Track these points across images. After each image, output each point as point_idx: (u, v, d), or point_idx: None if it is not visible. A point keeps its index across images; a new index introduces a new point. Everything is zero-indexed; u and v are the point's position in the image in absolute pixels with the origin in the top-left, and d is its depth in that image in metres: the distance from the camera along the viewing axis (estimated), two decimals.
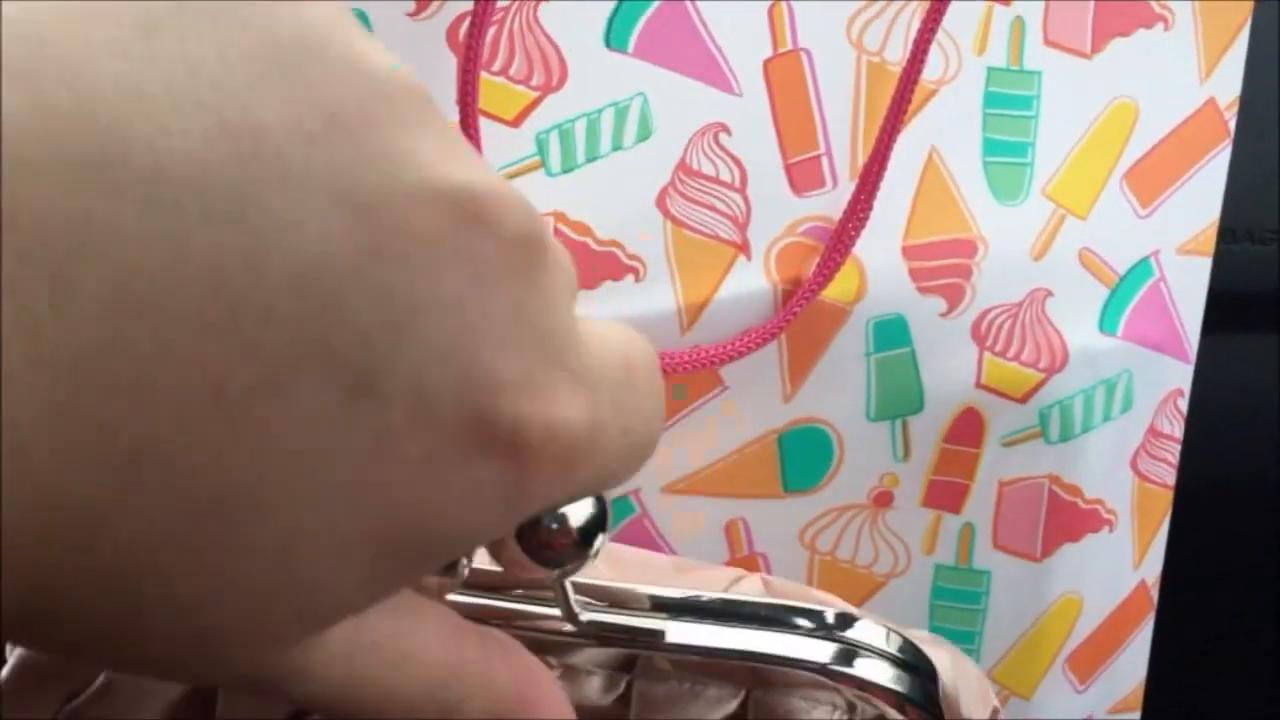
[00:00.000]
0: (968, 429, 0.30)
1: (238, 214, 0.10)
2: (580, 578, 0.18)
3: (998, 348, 0.30)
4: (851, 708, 0.22)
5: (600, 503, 0.16)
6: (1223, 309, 0.33)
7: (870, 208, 0.28)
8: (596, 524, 0.15)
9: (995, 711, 0.24)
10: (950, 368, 0.30)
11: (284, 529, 0.11)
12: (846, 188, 0.29)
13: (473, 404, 0.12)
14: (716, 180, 0.29)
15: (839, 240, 0.28)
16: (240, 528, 0.11)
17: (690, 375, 0.29)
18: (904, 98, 0.28)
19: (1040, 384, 0.30)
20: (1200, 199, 0.32)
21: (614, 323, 0.15)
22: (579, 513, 0.15)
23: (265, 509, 0.11)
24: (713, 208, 0.29)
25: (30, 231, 0.09)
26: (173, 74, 0.10)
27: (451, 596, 0.17)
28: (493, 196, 0.12)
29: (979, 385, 0.30)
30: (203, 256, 0.10)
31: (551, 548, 0.15)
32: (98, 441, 0.10)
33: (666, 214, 0.29)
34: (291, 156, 0.11)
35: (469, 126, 0.26)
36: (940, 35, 0.29)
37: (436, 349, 0.11)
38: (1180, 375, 0.33)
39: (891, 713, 0.21)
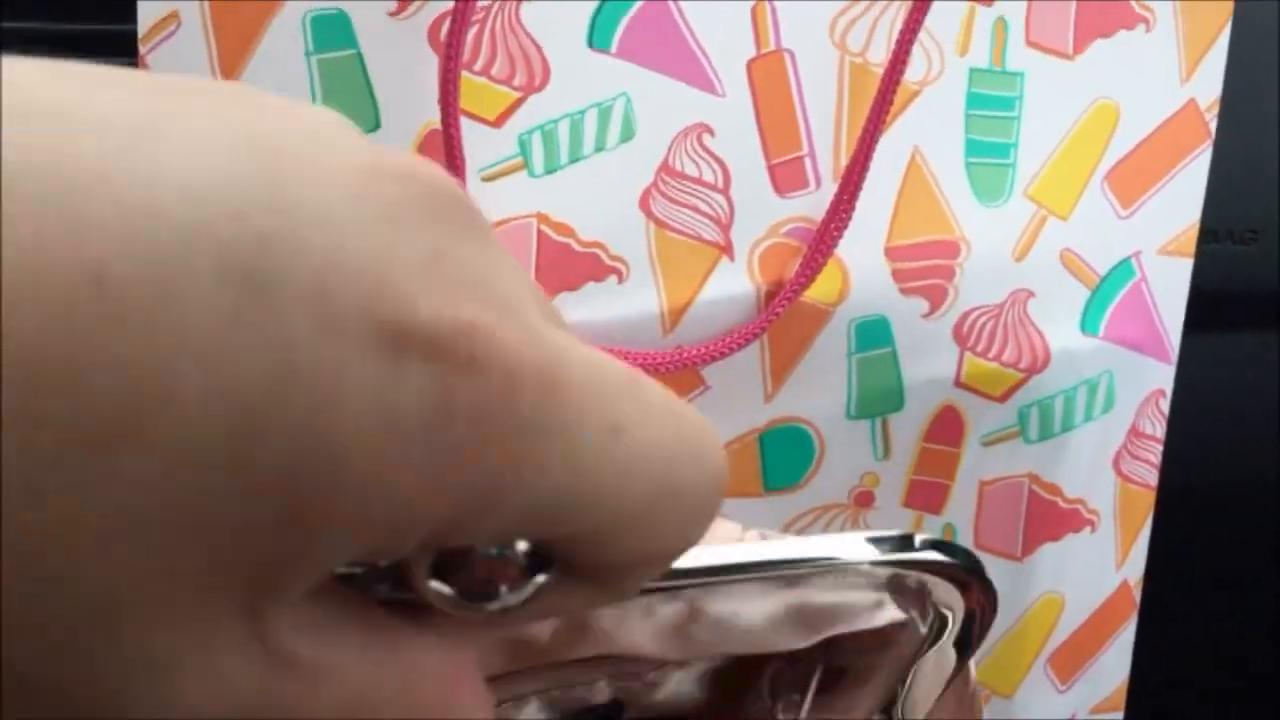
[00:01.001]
0: (948, 428, 0.30)
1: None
2: None
3: (979, 348, 0.30)
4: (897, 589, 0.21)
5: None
6: (1204, 309, 0.34)
7: (853, 209, 0.28)
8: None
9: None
10: (931, 367, 0.30)
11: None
12: (830, 188, 0.29)
13: (383, 310, 0.11)
14: (700, 181, 0.29)
15: (821, 241, 0.29)
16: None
17: (672, 375, 0.29)
18: (886, 99, 0.28)
19: (1020, 383, 0.31)
20: (1181, 200, 0.32)
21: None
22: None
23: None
24: (696, 209, 0.29)
25: None
26: None
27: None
28: (410, 159, 0.12)
29: (958, 384, 0.30)
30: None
31: (492, 582, 0.12)
32: None
33: (650, 215, 0.29)
34: None
35: (450, 126, 0.26)
36: (923, 36, 0.29)
37: (341, 263, 0.11)
38: (1162, 376, 0.33)
39: (945, 590, 0.21)
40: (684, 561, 0.18)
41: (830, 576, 0.21)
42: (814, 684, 0.23)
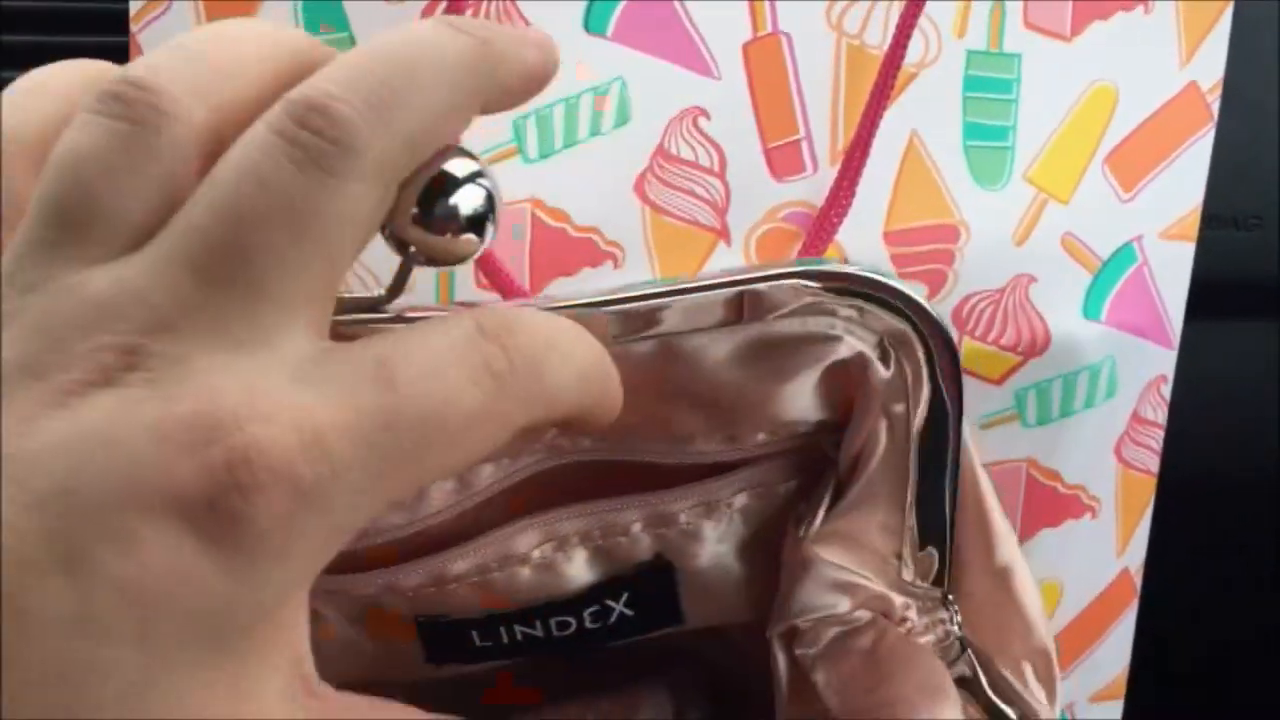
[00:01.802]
0: None
1: None
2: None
3: (978, 333, 0.30)
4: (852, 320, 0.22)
5: (489, 197, 0.17)
6: (1206, 295, 0.33)
7: (853, 194, 0.28)
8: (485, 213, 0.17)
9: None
10: None
11: None
12: (827, 172, 0.29)
13: None
14: (695, 165, 0.29)
15: (820, 227, 0.28)
16: None
17: None
18: (886, 83, 0.28)
19: (1016, 367, 0.30)
20: (1183, 184, 0.32)
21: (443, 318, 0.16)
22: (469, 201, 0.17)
23: None
24: (692, 193, 0.29)
25: None
26: None
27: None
28: None
29: None
30: None
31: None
32: None
33: (645, 200, 0.28)
34: None
35: None
36: (920, 18, 0.29)
37: None
38: (1164, 362, 0.33)
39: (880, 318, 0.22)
40: (644, 291, 0.21)
41: (786, 320, 0.22)
42: (827, 496, 0.24)
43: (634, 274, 0.28)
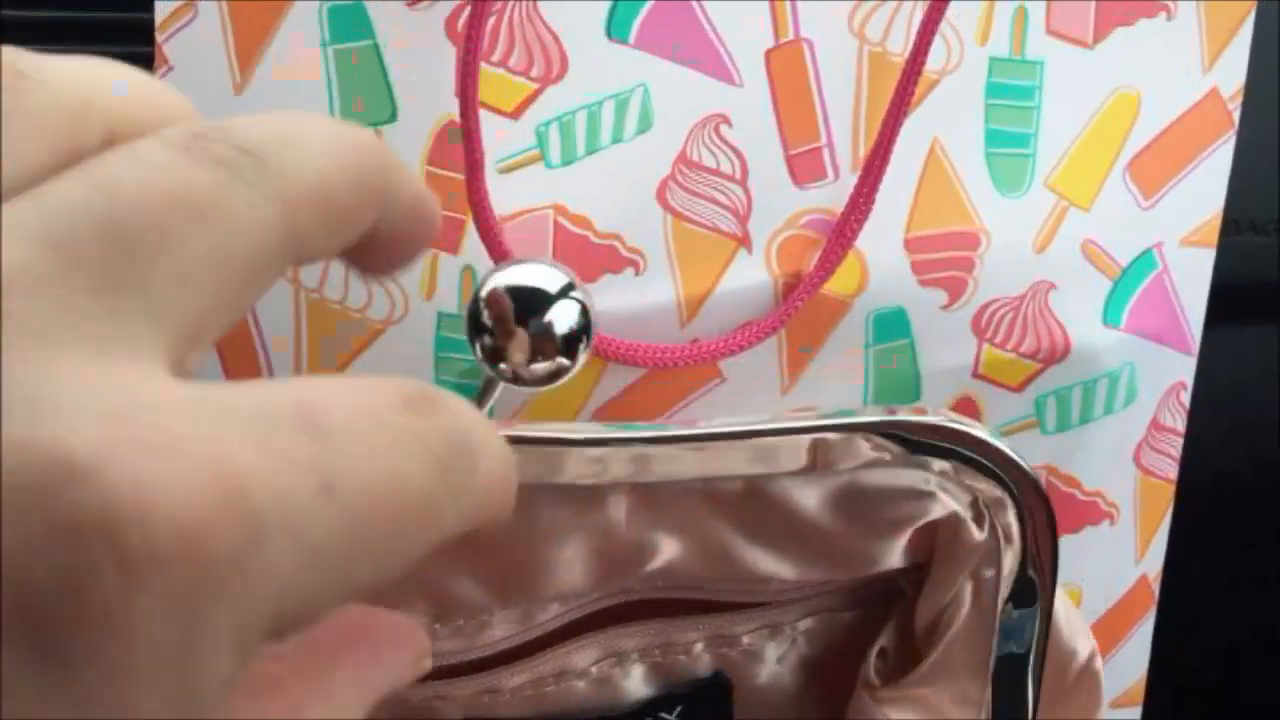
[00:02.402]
0: None
1: None
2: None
3: (998, 339, 0.30)
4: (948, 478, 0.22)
5: (585, 312, 0.17)
6: (1226, 301, 0.33)
7: (873, 200, 0.28)
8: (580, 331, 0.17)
9: (1094, 651, 0.24)
10: (948, 358, 0.30)
11: None
12: (848, 179, 0.29)
13: None
14: (717, 172, 0.29)
15: (841, 233, 0.28)
16: None
17: (689, 368, 0.29)
18: (907, 89, 0.28)
19: (1036, 373, 0.30)
20: (1204, 190, 0.32)
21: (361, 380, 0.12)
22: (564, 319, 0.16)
23: None
24: (713, 200, 0.29)
25: None
26: None
27: None
28: None
29: (976, 375, 0.30)
30: None
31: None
32: None
33: (667, 206, 0.28)
34: None
35: (469, 118, 0.26)
36: (942, 25, 0.29)
37: None
38: (1183, 367, 0.33)
39: (985, 488, 0.21)
40: (719, 428, 0.21)
41: (880, 471, 0.22)
42: (892, 650, 0.24)
43: (656, 281, 0.28)
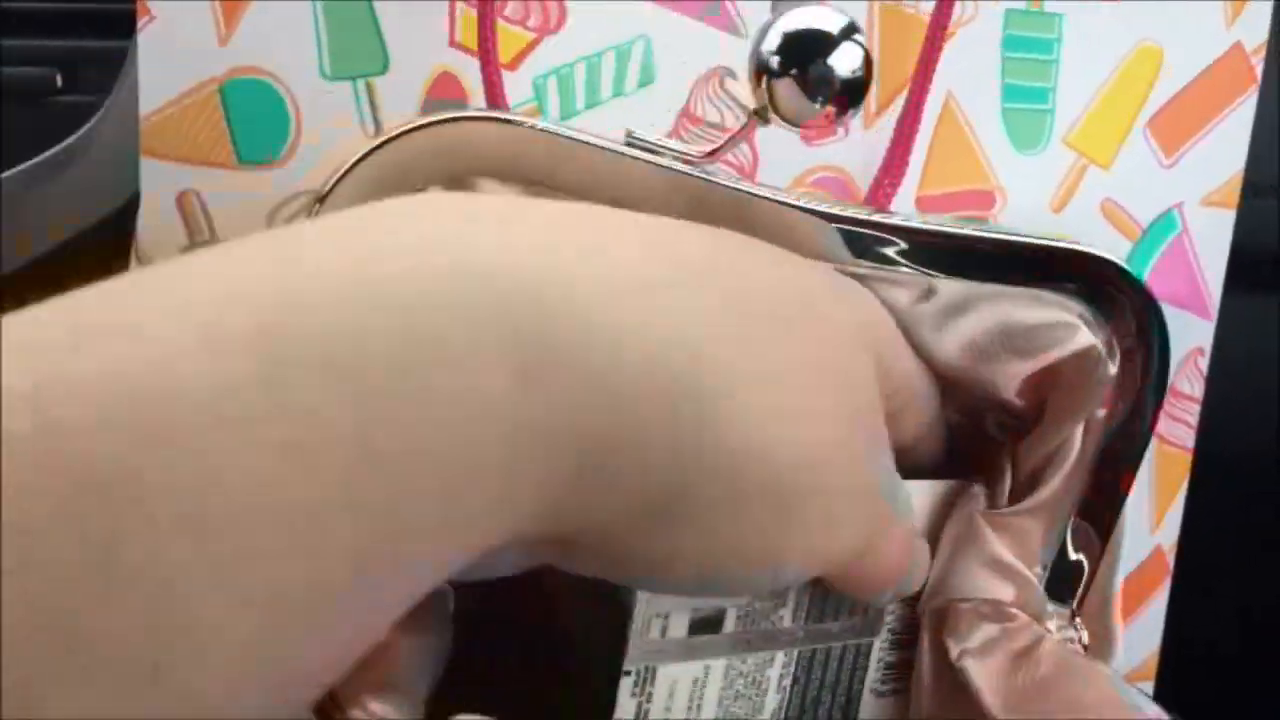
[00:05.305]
0: None
1: None
2: None
3: None
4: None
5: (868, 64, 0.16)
6: (1245, 266, 0.32)
7: (907, 161, 0.27)
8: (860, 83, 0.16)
9: None
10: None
11: None
12: (859, 137, 0.28)
13: None
14: (722, 128, 0.28)
15: (874, 197, 0.27)
16: None
17: None
18: (935, 46, 0.27)
19: None
20: (1225, 148, 0.31)
21: None
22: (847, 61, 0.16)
23: None
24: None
25: None
26: None
27: None
28: None
29: None
30: None
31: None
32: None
33: None
34: None
35: (490, 72, 0.25)
36: None
37: None
38: (1202, 333, 0.32)
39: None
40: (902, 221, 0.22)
41: (1029, 298, 0.22)
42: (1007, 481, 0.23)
43: None
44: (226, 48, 0.26)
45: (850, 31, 0.16)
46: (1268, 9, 0.31)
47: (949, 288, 0.22)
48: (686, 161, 0.20)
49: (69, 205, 0.34)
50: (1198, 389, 0.32)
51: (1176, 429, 0.33)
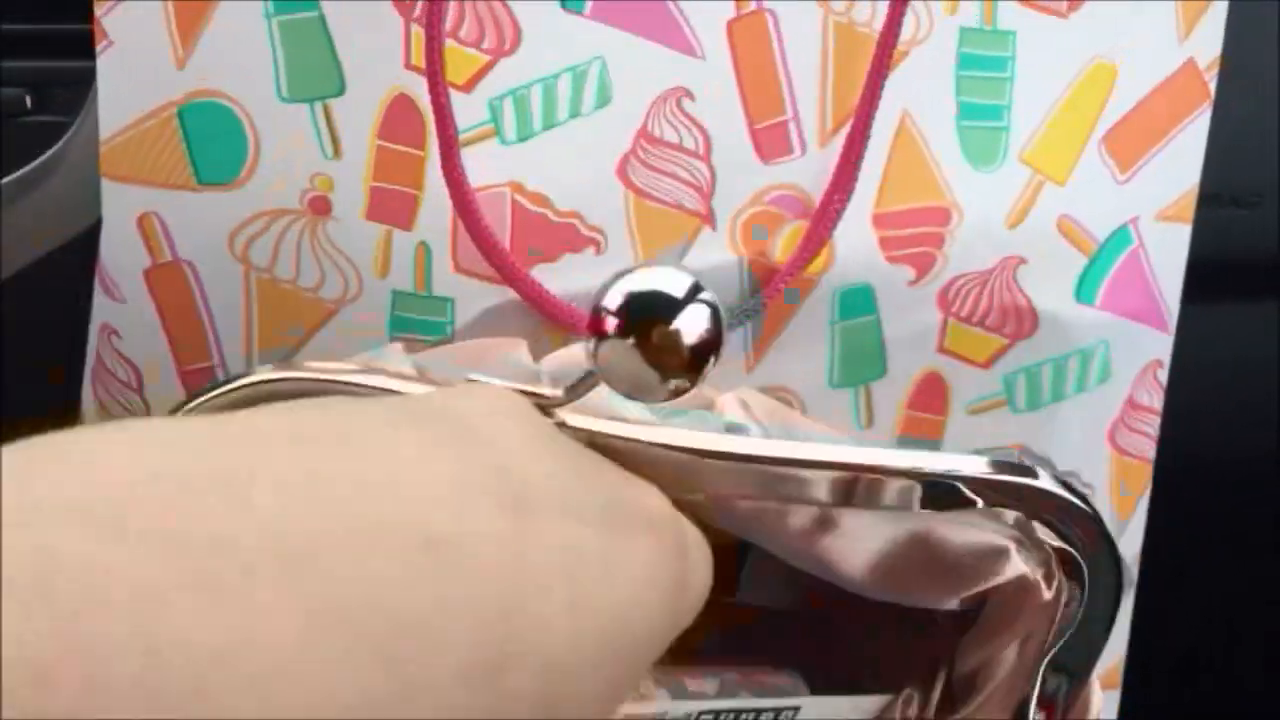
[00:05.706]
0: (931, 395, 0.29)
1: None
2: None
3: (962, 312, 0.29)
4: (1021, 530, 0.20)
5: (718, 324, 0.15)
6: (1205, 277, 0.32)
7: (855, 178, 0.27)
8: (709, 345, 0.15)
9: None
10: (913, 333, 0.29)
11: None
12: (815, 155, 0.28)
13: None
14: (679, 148, 0.28)
15: (824, 214, 0.27)
16: None
17: None
18: (883, 63, 0.27)
19: (1003, 349, 0.30)
20: (1180, 163, 0.31)
21: None
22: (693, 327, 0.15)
23: None
24: (675, 176, 0.28)
25: None
26: None
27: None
28: None
29: (941, 350, 0.29)
30: None
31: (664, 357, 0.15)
32: None
33: (627, 183, 0.28)
34: None
35: (438, 95, 0.25)
36: None
37: None
38: (1160, 346, 0.32)
39: (1051, 537, 0.20)
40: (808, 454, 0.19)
41: (957, 520, 0.20)
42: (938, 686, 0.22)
43: (617, 259, 0.27)
44: (184, 71, 0.26)
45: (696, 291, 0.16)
46: (1221, 25, 0.31)
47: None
48: (539, 399, 0.19)
49: (39, 224, 0.34)
50: (1157, 401, 0.33)
51: (1136, 440, 0.33)
